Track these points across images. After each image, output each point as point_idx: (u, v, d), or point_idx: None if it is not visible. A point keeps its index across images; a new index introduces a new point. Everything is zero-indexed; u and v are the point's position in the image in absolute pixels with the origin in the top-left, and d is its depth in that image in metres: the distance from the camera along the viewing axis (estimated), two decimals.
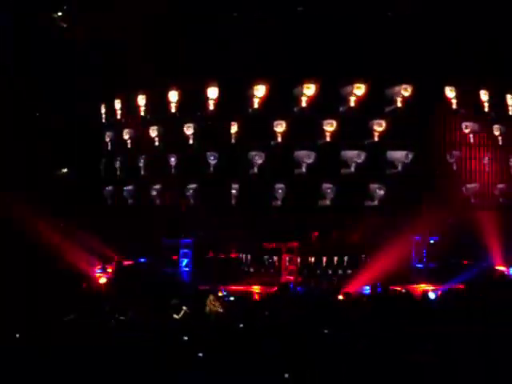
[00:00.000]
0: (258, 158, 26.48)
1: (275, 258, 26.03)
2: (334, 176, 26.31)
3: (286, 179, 26.54)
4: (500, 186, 28.00)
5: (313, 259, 26.17)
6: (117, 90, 29.29)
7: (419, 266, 26.53)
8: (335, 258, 26.14)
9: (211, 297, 15.90)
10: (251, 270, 26.56)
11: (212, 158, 27.08)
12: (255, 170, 26.51)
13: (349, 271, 26.15)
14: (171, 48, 27.12)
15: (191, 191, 27.47)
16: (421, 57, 25.78)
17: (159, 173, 28.33)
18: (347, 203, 26.50)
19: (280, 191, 26.31)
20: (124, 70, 27.70)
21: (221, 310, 15.44)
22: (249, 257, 27.01)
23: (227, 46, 26.81)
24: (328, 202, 26.30)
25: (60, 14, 29.10)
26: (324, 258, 26.10)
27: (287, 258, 24.91)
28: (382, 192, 26.24)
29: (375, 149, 26.18)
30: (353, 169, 26.18)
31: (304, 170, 26.21)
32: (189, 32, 27.07)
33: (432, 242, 26.60)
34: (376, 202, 26.39)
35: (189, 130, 27.28)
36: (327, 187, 26.24)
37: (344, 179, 26.20)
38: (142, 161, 28.53)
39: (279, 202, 26.35)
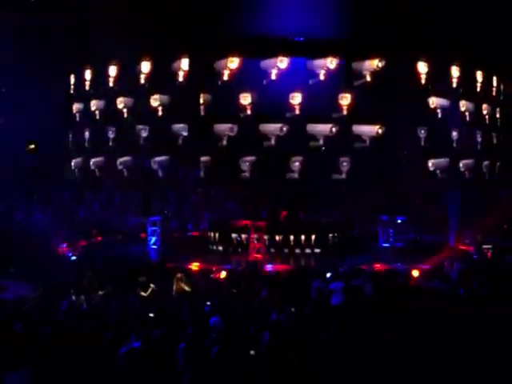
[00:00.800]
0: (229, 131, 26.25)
1: (243, 236, 25.90)
2: (302, 149, 25.96)
3: (255, 152, 26.16)
4: (465, 161, 27.69)
5: (280, 238, 26.14)
6: (86, 61, 28.48)
7: (386, 245, 26.49)
8: (303, 237, 26.20)
9: (178, 275, 15.91)
10: (219, 248, 26.64)
11: (182, 130, 26.54)
12: (224, 142, 25.90)
13: (316, 250, 26.24)
14: (144, 18, 26.75)
15: (157, 164, 26.77)
16: (394, 31, 25.62)
17: (127, 145, 27.72)
18: (315, 176, 26.24)
19: (247, 164, 26.24)
20: (96, 41, 26.89)
21: (188, 289, 15.44)
22: (217, 235, 27.16)
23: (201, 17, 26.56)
24: (296, 175, 26.37)
25: None
26: (291, 237, 26.12)
27: (255, 237, 24.51)
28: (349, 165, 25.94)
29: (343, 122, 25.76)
30: (321, 141, 25.77)
31: (273, 142, 26.43)
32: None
33: (399, 221, 26.93)
34: (344, 176, 26.00)
35: (156, 101, 26.67)
36: (296, 160, 26.33)
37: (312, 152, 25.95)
38: (110, 132, 27.80)
39: (247, 175, 26.42)
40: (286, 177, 25.99)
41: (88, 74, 28.63)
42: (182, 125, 26.35)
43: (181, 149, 26.43)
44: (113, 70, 27.63)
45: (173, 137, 26.50)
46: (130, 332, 11.02)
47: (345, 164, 26.00)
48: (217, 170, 26.35)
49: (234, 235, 26.54)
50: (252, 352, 10.52)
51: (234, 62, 25.85)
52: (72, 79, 29.59)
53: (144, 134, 26.87)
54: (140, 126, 26.98)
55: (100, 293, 15.25)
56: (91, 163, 28.47)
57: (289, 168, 25.69)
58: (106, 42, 26.29)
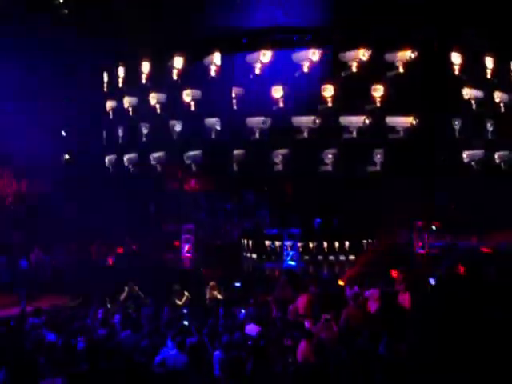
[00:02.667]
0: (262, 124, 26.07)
1: (277, 243, 25.35)
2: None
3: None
4: (500, 153, 26.60)
5: (314, 245, 25.52)
6: (120, 58, 27.79)
7: (421, 251, 25.82)
8: (336, 244, 25.58)
9: (211, 283, 15.70)
10: (253, 256, 26.08)
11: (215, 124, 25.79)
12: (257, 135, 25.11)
13: (351, 257, 25.58)
14: (175, 16, 26.48)
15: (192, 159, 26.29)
16: (426, 21, 25.03)
17: (161, 140, 27.07)
18: (349, 169, 26.20)
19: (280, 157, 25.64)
20: (128, 38, 26.37)
21: (220, 297, 15.25)
22: (250, 242, 26.48)
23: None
24: (330, 168, 26.02)
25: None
26: (325, 244, 25.55)
27: (289, 244, 23.99)
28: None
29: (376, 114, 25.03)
30: (354, 134, 25.09)
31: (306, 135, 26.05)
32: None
33: (434, 228, 26.41)
34: (378, 168, 25.39)
35: (188, 97, 25.96)
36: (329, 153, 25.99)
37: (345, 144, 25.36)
38: (143, 128, 27.13)
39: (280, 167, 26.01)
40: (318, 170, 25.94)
41: (121, 72, 27.86)
42: (214, 119, 25.81)
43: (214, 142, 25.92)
44: (146, 67, 27.04)
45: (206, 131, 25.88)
46: (165, 340, 10.93)
47: (379, 156, 25.86)
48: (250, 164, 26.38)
49: (267, 242, 25.99)
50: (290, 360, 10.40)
51: (265, 56, 25.11)
52: (105, 77, 28.81)
53: (178, 128, 26.75)
54: (173, 121, 26.50)
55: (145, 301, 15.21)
56: (125, 159, 28.29)
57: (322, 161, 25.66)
58: (137, 38, 26.24)
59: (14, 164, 29.63)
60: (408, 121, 25.16)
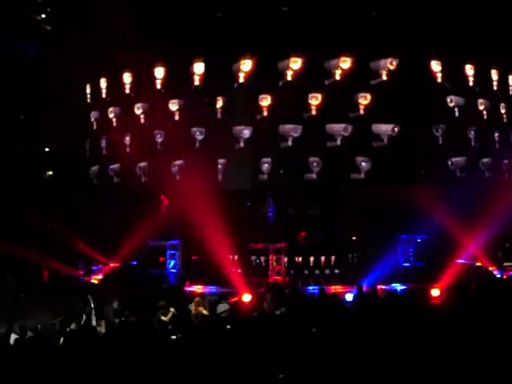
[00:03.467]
0: (246, 133, 26.07)
1: (262, 258, 25.22)
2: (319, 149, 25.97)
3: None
4: (485, 160, 27.29)
5: (300, 259, 25.50)
6: (102, 69, 28.25)
7: (406, 265, 25.92)
8: (322, 258, 25.48)
9: (197, 299, 15.50)
10: (238, 270, 25.34)
11: (198, 133, 26.41)
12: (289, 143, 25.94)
13: (336, 271, 25.49)
14: (157, 24, 26.37)
15: (176, 168, 26.93)
16: (406, 30, 24.75)
17: (145, 150, 27.71)
18: (333, 176, 26.17)
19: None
20: (109, 49, 26.01)
21: (206, 313, 15.05)
22: (235, 257, 25.99)
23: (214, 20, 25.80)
24: (314, 176, 25.98)
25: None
26: (311, 258, 25.42)
27: (274, 258, 24.21)
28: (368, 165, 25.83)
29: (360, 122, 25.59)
30: (339, 142, 25.67)
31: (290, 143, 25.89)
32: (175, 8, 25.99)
33: (419, 240, 26.31)
34: (362, 175, 25.94)
35: (174, 106, 26.54)
36: (313, 160, 25.91)
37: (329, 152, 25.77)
38: (127, 139, 27.74)
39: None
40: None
41: (103, 83, 28.28)
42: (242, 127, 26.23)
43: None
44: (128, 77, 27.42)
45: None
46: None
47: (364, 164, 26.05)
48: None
49: (252, 257, 25.79)
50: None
51: (296, 63, 25.62)
52: (88, 89, 29.15)
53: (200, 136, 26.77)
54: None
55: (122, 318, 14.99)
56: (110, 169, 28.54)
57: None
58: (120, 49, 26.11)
59: None
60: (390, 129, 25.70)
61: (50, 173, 31.57)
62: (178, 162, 27.25)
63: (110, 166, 28.60)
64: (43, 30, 28.97)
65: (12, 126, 29.38)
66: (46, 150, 31.71)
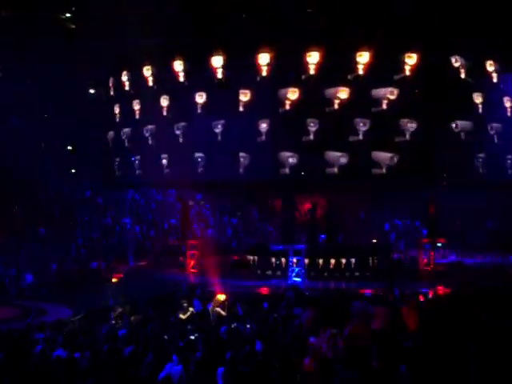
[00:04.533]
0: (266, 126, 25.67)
1: (283, 260, 25.04)
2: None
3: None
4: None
5: (320, 261, 25.28)
6: (123, 63, 28.22)
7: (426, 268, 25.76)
8: (343, 261, 25.34)
9: (216, 298, 15.45)
10: (258, 271, 25.84)
11: (219, 126, 26.15)
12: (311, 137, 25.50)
13: (356, 273, 25.46)
14: (176, 19, 26.37)
15: (199, 160, 26.65)
16: (428, 25, 24.13)
17: (166, 143, 27.36)
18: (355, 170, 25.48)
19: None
20: (130, 43, 26.33)
21: (224, 313, 14.96)
22: (256, 258, 26.25)
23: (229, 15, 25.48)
24: (335, 170, 25.34)
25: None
26: (332, 260, 25.30)
27: (294, 260, 23.91)
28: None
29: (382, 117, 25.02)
30: (361, 136, 25.12)
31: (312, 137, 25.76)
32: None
33: (439, 245, 26.30)
34: (384, 170, 25.23)
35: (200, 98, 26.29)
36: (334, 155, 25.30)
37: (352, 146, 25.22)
38: (148, 131, 27.63)
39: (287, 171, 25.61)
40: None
41: (125, 76, 28.21)
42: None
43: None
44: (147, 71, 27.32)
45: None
46: (170, 355, 10.83)
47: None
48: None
49: (273, 259, 25.72)
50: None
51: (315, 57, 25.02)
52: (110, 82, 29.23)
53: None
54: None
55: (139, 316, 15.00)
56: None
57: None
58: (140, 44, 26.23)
59: None
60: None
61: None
62: (200, 154, 26.98)
63: (133, 158, 28.55)
64: (68, 28, 29.21)
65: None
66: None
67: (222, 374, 10.09)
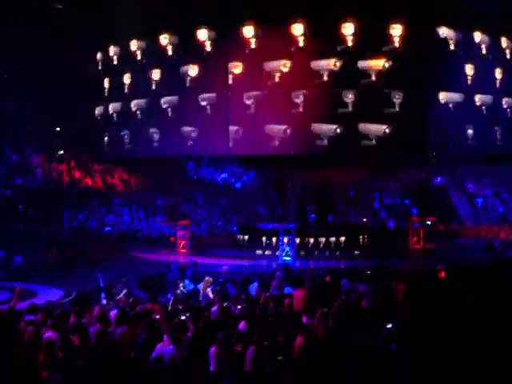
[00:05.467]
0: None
1: (273, 239, 24.78)
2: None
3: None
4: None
5: (311, 240, 25.28)
6: (111, 38, 28.27)
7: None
8: (333, 239, 25.40)
9: (206, 279, 15.40)
10: (248, 251, 25.45)
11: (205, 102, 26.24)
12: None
13: (346, 252, 25.33)
14: None
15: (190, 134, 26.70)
16: None
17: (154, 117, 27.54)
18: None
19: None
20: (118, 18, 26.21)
21: (211, 295, 14.90)
22: (246, 238, 26.28)
23: None
24: (326, 143, 25.34)
25: None
26: (322, 239, 25.26)
27: (284, 240, 23.58)
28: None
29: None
30: (350, 108, 25.09)
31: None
32: None
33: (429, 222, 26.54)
34: (374, 142, 25.26)
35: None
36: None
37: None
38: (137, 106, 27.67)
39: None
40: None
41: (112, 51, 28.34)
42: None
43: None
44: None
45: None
46: (161, 336, 10.85)
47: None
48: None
49: (263, 238, 25.65)
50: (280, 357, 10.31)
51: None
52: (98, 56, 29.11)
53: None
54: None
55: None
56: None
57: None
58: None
59: None
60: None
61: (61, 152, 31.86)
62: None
63: (121, 132, 28.51)
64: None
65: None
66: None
67: (214, 354, 10.11)
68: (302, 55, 25.36)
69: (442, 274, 14.96)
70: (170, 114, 27.19)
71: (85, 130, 29.65)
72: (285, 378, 9.85)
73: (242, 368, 9.99)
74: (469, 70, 26.01)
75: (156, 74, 27.21)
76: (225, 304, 13.26)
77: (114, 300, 14.37)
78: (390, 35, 24.98)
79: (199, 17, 25.76)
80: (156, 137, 27.71)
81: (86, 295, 15.42)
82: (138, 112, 27.85)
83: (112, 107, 28.69)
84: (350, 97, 25.10)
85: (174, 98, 27.10)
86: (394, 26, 24.91)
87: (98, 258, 24.92)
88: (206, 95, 26.28)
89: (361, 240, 25.69)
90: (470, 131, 26.47)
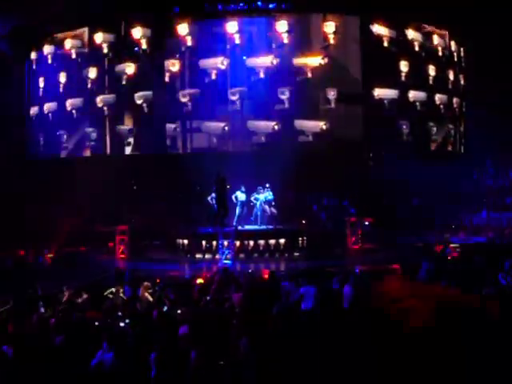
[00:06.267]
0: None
1: (213, 242, 24.39)
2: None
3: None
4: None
5: (251, 243, 25.02)
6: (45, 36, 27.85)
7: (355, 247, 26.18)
8: (272, 242, 25.09)
9: (145, 283, 15.29)
10: (188, 255, 25.23)
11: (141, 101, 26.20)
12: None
13: (286, 254, 25.12)
14: None
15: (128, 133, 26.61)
16: None
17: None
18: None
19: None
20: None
21: (150, 299, 14.80)
22: (185, 242, 25.83)
23: None
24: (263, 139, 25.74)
25: None
26: (261, 242, 24.98)
27: (224, 243, 22.99)
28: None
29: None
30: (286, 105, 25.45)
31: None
32: None
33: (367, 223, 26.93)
34: (310, 138, 25.72)
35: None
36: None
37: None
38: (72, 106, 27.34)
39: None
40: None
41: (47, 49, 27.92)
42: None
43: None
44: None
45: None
46: (100, 343, 10.79)
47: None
48: None
49: (203, 242, 25.22)
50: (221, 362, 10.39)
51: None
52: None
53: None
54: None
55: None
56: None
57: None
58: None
59: None
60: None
61: None
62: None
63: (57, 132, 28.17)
64: None
65: None
66: None
67: (155, 359, 10.12)
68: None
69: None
70: (106, 112, 27.04)
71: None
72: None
73: (185, 373, 10.05)
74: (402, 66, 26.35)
75: (92, 73, 26.85)
76: (164, 308, 13.27)
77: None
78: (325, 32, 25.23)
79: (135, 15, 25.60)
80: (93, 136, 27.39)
81: (24, 302, 15.13)
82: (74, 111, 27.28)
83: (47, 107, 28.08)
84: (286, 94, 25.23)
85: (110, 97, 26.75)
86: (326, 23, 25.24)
87: None
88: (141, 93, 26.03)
89: (300, 242, 25.80)
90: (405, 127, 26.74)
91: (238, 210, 25.04)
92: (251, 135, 25.88)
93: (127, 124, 26.91)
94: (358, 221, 26.43)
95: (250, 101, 25.59)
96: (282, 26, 25.08)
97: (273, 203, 25.05)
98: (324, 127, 25.35)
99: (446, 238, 26.14)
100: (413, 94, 26.83)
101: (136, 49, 26.01)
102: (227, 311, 12.68)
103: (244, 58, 25.54)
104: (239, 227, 24.62)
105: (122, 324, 11.81)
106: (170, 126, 26.33)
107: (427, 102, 27.13)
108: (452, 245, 23.92)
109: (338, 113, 25.58)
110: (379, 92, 26.26)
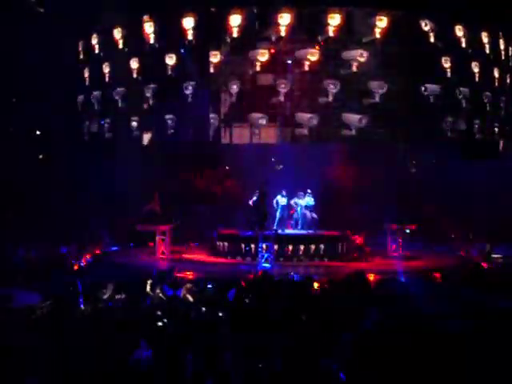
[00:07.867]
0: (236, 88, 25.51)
1: (252, 246, 24.75)
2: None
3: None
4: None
5: (290, 247, 25.04)
6: (93, 26, 27.65)
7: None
8: (312, 247, 25.22)
9: (187, 285, 15.32)
10: (228, 257, 25.49)
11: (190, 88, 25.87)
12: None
13: (325, 259, 25.36)
14: None
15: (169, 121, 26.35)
16: None
17: (137, 105, 27.09)
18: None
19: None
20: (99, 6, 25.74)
21: (191, 299, 14.84)
22: (225, 244, 26.04)
23: None
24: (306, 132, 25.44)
25: None
26: (301, 247, 25.07)
27: (263, 246, 23.53)
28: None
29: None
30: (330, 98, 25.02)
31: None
32: None
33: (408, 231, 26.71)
34: (353, 132, 25.32)
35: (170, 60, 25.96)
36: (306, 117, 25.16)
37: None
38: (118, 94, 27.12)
39: None
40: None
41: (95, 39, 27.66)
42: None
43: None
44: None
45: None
46: (139, 340, 10.90)
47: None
48: None
49: (242, 245, 25.52)
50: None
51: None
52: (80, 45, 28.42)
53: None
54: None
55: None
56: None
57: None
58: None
59: None
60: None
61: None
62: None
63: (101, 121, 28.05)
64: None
65: None
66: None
67: (191, 360, 10.20)
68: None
69: None
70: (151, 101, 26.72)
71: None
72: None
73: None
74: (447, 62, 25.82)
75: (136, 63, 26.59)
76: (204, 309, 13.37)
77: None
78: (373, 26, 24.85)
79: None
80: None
81: (62, 300, 15.32)
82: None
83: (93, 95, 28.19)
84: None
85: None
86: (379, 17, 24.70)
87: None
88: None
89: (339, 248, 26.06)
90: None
91: (278, 214, 25.04)
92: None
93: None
94: (399, 228, 25.99)
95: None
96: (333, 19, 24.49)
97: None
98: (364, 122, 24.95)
99: None
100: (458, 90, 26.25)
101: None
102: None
103: None
104: (279, 231, 24.37)
105: (160, 323, 11.93)
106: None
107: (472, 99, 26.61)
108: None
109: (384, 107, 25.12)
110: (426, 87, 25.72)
